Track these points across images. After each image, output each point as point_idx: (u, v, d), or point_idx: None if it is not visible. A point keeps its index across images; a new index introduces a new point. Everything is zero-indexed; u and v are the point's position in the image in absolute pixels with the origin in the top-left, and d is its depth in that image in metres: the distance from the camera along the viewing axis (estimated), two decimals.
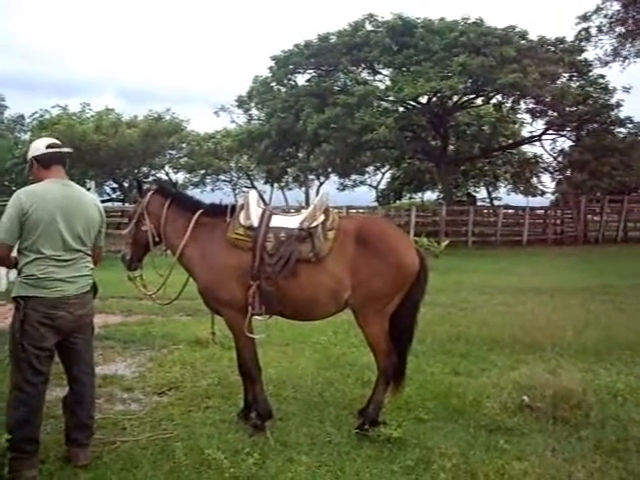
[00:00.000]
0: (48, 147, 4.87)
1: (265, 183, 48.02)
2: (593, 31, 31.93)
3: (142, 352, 8.84)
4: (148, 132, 42.70)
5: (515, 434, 5.73)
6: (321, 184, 50.04)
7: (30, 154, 4.91)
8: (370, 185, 52.59)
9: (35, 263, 4.62)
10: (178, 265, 6.12)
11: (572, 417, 5.99)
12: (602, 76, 33.53)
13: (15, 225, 4.59)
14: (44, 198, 4.65)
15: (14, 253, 4.78)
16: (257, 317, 5.78)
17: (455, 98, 34.49)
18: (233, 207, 5.94)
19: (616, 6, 30.76)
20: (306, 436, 5.62)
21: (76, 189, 4.92)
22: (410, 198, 48.77)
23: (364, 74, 35.39)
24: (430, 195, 49.39)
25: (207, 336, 8.56)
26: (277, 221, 5.72)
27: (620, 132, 34.10)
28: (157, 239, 6.09)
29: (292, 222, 5.69)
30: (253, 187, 50.01)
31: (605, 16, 31.23)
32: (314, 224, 5.58)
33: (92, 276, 4.98)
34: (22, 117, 52.66)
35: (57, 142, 4.98)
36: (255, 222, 5.67)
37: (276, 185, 48.99)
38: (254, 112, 43.68)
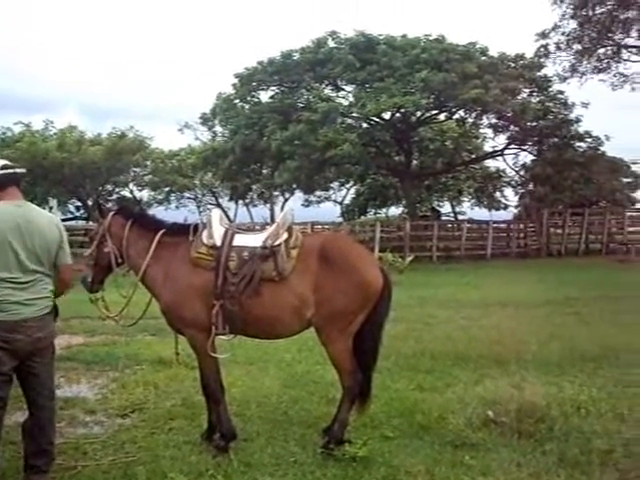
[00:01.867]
0: (2, 168, 4.77)
1: (230, 200, 47.91)
2: (552, 48, 32.50)
3: (105, 373, 8.71)
4: (112, 149, 42.35)
5: (480, 449, 5.72)
6: (286, 200, 50.00)
7: None
8: (335, 201, 52.65)
9: None
10: (141, 285, 6.06)
11: (536, 431, 6.02)
12: (561, 92, 34.12)
13: None
14: None
15: None
16: (221, 337, 5.73)
17: (418, 114, 34.69)
18: (196, 226, 5.90)
19: (573, 24, 31.44)
20: (270, 456, 5.58)
21: (30, 209, 4.82)
22: (375, 213, 48.88)
23: (327, 91, 35.50)
24: (394, 210, 49.56)
25: (170, 356, 8.46)
26: (240, 240, 5.68)
27: (580, 146, 34.58)
28: (120, 260, 6.03)
29: (255, 240, 5.65)
30: (218, 204, 49.90)
31: (563, 33, 31.87)
32: (277, 242, 5.56)
33: (51, 298, 4.88)
34: None
35: (9, 163, 4.87)
36: (218, 241, 5.63)
37: (241, 202, 48.87)
38: (218, 129, 43.48)
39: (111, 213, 6.12)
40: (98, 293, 6.18)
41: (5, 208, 4.66)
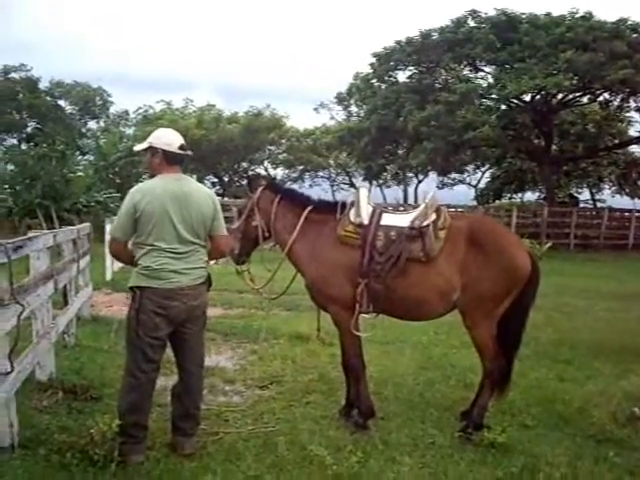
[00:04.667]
0: (180, 148, 4.96)
1: (364, 180, 47.96)
2: None
3: (243, 345, 8.98)
4: (248, 127, 43.37)
5: (626, 447, 5.54)
6: (419, 182, 49.72)
7: (159, 144, 4.93)
8: (469, 184, 51.88)
9: (150, 255, 4.75)
10: (287, 260, 6.15)
11: None
12: None
13: (128, 222, 4.75)
14: (157, 193, 4.76)
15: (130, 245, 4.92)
16: (364, 315, 5.76)
17: (560, 96, 33.52)
18: (343, 204, 5.93)
19: None
20: (408, 437, 5.59)
21: (189, 183, 5.02)
22: (510, 198, 47.72)
23: (466, 71, 34.90)
24: (530, 196, 48.33)
25: (307, 331, 8.65)
26: (388, 219, 5.68)
27: None
28: (267, 234, 6.15)
29: (403, 221, 5.63)
30: (351, 184, 50.08)
31: None
32: (425, 223, 5.52)
33: (206, 268, 5.07)
34: (126, 112, 54.75)
35: (185, 144, 5.06)
36: (365, 220, 5.65)
37: (374, 182, 48.89)
38: (353, 109, 43.69)
39: (260, 188, 6.22)
40: (244, 265, 6.31)
41: (166, 182, 4.86)
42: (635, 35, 30.77)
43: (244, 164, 49.17)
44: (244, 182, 44.23)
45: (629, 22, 31.07)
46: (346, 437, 5.51)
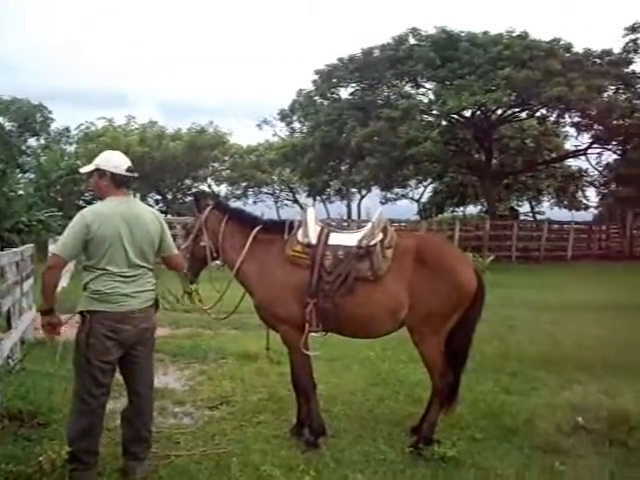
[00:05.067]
0: (128, 170, 4.95)
1: (307, 196, 48.13)
2: None
3: (192, 365, 8.88)
4: (192, 145, 43.23)
5: (571, 456, 5.63)
6: (362, 197, 50.09)
7: (107, 167, 4.91)
8: (412, 198, 52.44)
9: (101, 279, 4.71)
10: (235, 280, 6.15)
11: (630, 439, 5.89)
12: None
13: (77, 243, 4.68)
14: (109, 216, 4.73)
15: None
16: (314, 334, 5.79)
17: (499, 111, 34.32)
18: (291, 224, 5.97)
19: None
20: (359, 454, 5.60)
21: (136, 204, 5.03)
22: (452, 212, 48.43)
23: (407, 88, 35.36)
24: (472, 209, 49.12)
25: (256, 350, 8.65)
26: (335, 239, 5.73)
27: None
28: (215, 254, 6.14)
29: (350, 240, 5.69)
30: (295, 200, 50.22)
31: None
32: (372, 242, 5.58)
33: (154, 291, 5.04)
34: (67, 129, 53.65)
35: (132, 166, 5.05)
36: (313, 240, 5.68)
37: (318, 198, 49.06)
38: (296, 125, 43.81)
39: (208, 208, 6.21)
40: (193, 286, 6.28)
41: (116, 204, 4.84)
42: (568, 54, 31.76)
43: (187, 181, 48.87)
44: (187, 199, 44.06)
45: (562, 42, 32.20)
46: (298, 456, 5.50)
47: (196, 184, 49.80)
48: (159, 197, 48.60)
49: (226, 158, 48.66)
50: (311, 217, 5.86)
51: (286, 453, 5.58)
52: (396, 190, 48.91)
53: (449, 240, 27.90)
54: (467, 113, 33.70)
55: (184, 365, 8.90)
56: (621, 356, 9.37)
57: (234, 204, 43.63)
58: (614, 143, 35.02)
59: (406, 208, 50.35)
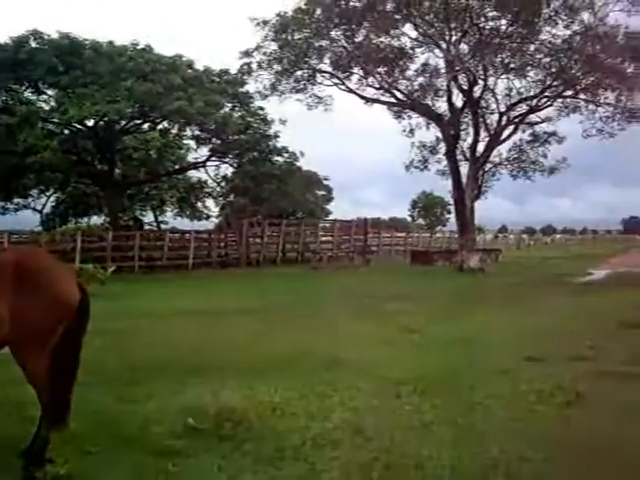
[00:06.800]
0: None
1: None
2: (254, 66, 33.91)
3: None
4: None
5: (182, 456, 5.89)
6: None
7: None
8: (34, 209, 50.05)
9: None
10: None
11: (235, 434, 6.34)
12: (262, 108, 36.24)
13: None
14: None
15: None
16: None
17: (122, 122, 34.40)
18: None
19: (274, 46, 33.02)
20: None
21: None
22: (76, 222, 47.08)
23: (27, 93, 33.84)
24: (97, 219, 48.34)
25: None
26: None
27: (277, 160, 36.90)
28: None
29: None
30: None
31: (264, 54, 33.32)
32: None
33: None
34: None
35: None
36: None
37: None
38: None
39: None
40: None
41: None
42: (189, 70, 33.17)
43: None
44: None
45: (184, 58, 33.48)
46: None
47: None
48: None
49: None
50: None
51: None
52: (17, 200, 46.40)
53: (71, 251, 27.41)
54: (90, 123, 33.20)
55: None
56: (227, 356, 10.08)
57: None
58: (231, 156, 37.27)
59: (28, 219, 47.99)
